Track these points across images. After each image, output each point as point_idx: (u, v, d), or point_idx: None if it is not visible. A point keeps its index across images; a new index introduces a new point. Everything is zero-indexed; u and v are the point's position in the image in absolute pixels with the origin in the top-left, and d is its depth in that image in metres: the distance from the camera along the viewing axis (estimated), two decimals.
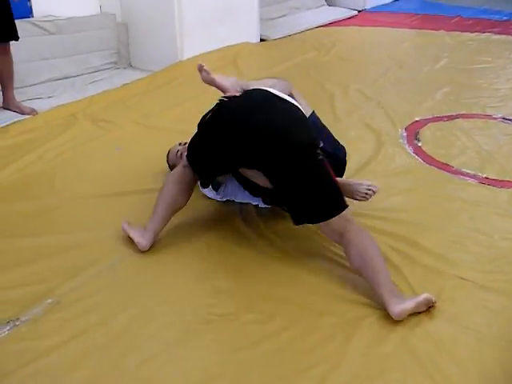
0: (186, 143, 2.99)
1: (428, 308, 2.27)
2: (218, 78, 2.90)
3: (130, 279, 2.47)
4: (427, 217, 2.97)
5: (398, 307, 2.19)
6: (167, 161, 3.27)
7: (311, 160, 2.45)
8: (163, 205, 2.64)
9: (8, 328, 2.18)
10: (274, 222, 2.88)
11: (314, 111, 2.90)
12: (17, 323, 2.20)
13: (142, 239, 2.60)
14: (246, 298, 2.36)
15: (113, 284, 2.44)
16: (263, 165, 2.46)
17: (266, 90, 2.61)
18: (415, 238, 2.76)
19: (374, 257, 2.34)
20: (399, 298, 2.24)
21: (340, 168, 2.90)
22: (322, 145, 2.55)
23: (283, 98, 2.59)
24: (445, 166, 3.50)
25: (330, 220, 2.42)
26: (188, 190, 2.69)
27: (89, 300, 2.34)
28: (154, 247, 2.64)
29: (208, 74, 2.91)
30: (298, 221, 2.53)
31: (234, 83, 2.86)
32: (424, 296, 2.24)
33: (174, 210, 2.68)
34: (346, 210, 2.46)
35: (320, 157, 2.48)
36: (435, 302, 2.27)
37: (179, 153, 3.11)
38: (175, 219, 2.75)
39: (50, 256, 2.60)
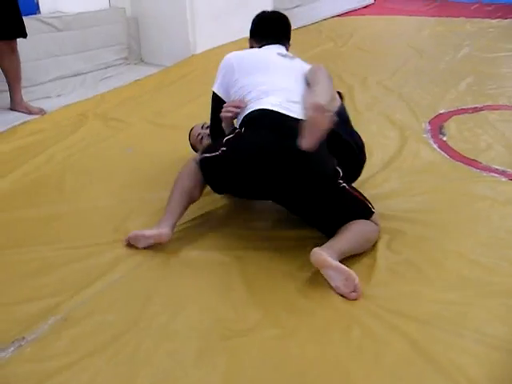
0: (207, 127, 3.00)
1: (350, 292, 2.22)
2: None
3: (142, 292, 2.31)
4: (456, 218, 2.80)
5: (321, 255, 2.22)
6: (189, 138, 3.27)
7: (334, 190, 2.45)
8: (178, 197, 2.57)
9: (12, 349, 2.03)
10: (289, 223, 2.73)
11: (342, 103, 2.77)
12: (22, 343, 2.06)
13: (162, 230, 2.49)
14: (267, 311, 2.20)
15: (124, 297, 2.29)
16: (283, 199, 2.54)
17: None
18: (444, 241, 2.60)
19: (352, 231, 2.41)
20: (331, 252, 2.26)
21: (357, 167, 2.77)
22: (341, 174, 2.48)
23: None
24: (472, 162, 3.32)
25: None
26: (202, 185, 2.62)
27: (99, 316, 2.19)
28: (165, 256, 2.50)
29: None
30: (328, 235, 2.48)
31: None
32: (351, 272, 2.22)
33: (189, 202, 2.61)
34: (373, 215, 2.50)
35: (342, 185, 2.46)
36: (356, 286, 2.22)
37: (199, 136, 3.17)
38: (185, 224, 2.63)
39: (58, 267, 2.46)
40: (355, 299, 2.23)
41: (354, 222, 2.44)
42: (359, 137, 2.77)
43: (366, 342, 2.04)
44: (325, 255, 2.23)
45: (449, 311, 2.17)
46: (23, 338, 2.08)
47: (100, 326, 2.13)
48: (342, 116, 2.71)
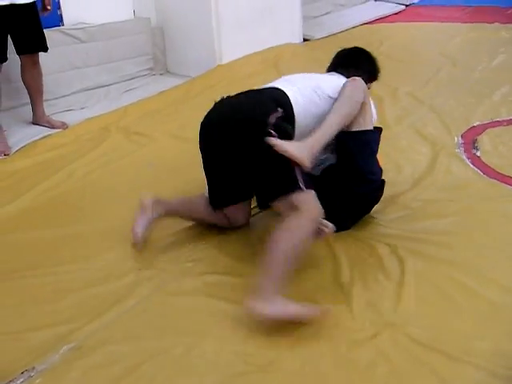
0: None
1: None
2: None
3: (157, 320, 2.22)
4: (491, 241, 2.65)
5: (255, 310, 2.07)
6: None
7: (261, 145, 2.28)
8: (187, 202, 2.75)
9: (22, 380, 1.96)
10: None
11: (376, 132, 2.71)
12: (32, 374, 1.98)
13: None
14: (287, 343, 2.08)
15: (139, 326, 2.19)
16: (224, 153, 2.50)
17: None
18: (477, 266, 2.46)
19: (277, 257, 2.15)
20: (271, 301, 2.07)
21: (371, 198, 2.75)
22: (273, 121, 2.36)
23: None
24: (508, 179, 3.15)
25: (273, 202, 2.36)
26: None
27: (113, 346, 2.10)
28: (182, 280, 2.41)
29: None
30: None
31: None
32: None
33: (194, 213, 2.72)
34: (294, 194, 2.27)
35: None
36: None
37: None
38: (200, 246, 2.57)
39: (72, 292, 2.39)
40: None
41: (276, 239, 2.18)
42: (381, 172, 2.73)
43: (392, 380, 1.91)
44: (258, 309, 2.08)
45: (481, 346, 2.04)
46: (33, 368, 2.01)
47: (113, 357, 2.05)
48: (370, 147, 2.67)
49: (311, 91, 2.59)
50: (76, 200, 3.11)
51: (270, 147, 2.24)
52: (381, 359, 1.99)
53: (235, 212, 2.68)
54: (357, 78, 2.61)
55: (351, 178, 2.63)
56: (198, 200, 2.72)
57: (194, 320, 2.21)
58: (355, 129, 2.58)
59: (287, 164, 2.29)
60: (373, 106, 2.75)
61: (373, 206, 2.78)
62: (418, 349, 2.02)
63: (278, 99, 2.50)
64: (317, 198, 2.30)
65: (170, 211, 2.70)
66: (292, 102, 2.51)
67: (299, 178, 2.33)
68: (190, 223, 2.79)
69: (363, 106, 2.57)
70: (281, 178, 2.34)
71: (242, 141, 2.39)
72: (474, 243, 2.63)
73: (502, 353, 1.99)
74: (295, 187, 2.30)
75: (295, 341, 2.08)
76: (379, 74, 3.01)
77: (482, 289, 2.32)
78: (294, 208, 2.24)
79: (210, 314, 2.25)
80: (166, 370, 1.99)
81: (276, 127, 2.34)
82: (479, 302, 2.26)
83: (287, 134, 2.39)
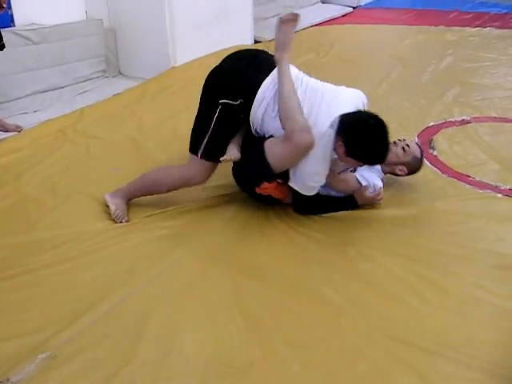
0: None
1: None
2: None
3: (133, 326, 2.19)
4: (452, 238, 2.73)
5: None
6: None
7: None
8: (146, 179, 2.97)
9: None
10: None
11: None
12: None
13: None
14: (267, 345, 2.09)
15: (114, 332, 2.16)
16: None
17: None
18: (445, 263, 2.54)
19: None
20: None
21: None
22: None
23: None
24: (466, 178, 3.26)
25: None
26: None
27: (88, 353, 2.06)
28: (156, 285, 2.39)
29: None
30: None
31: None
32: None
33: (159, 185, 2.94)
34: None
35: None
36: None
37: None
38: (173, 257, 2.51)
39: (43, 300, 2.33)
40: None
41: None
42: None
43: (372, 376, 1.95)
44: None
45: (455, 339, 2.10)
46: (7, 379, 1.95)
47: (90, 365, 2.02)
48: None
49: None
50: (36, 206, 3.02)
51: None
52: (359, 357, 2.02)
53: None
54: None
55: None
56: (163, 171, 2.99)
57: (171, 323, 2.20)
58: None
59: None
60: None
61: None
62: (394, 345, 2.07)
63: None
64: None
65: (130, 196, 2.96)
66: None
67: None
68: None
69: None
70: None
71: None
72: (436, 241, 2.70)
73: (476, 345, 2.07)
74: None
75: (274, 343, 2.09)
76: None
77: (449, 284, 2.40)
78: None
79: (187, 316, 2.23)
80: (144, 375, 1.97)
81: None
82: (448, 298, 2.33)
83: None
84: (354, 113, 2.66)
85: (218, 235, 2.74)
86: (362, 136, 2.55)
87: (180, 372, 1.98)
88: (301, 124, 2.54)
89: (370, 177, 2.95)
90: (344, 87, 2.85)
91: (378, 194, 2.91)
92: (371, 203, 2.94)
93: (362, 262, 2.55)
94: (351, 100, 2.77)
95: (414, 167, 3.05)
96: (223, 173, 3.00)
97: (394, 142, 2.99)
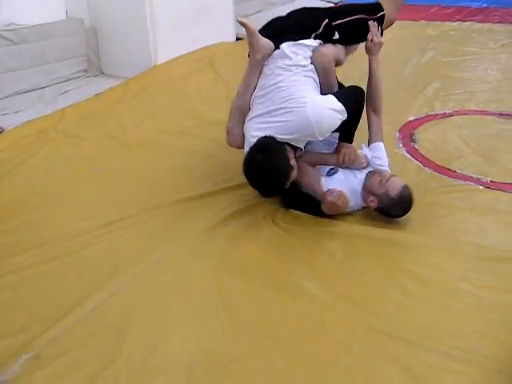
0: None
1: None
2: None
3: (117, 323, 2.19)
4: (436, 231, 2.75)
5: None
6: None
7: None
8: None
9: None
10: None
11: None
12: None
13: None
14: (251, 341, 2.10)
15: (99, 331, 2.16)
16: None
17: None
18: (425, 256, 2.55)
19: None
20: None
21: None
22: None
23: None
24: (447, 171, 3.28)
25: None
26: None
27: (73, 352, 2.06)
28: (139, 284, 2.38)
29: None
30: None
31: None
32: None
33: None
34: None
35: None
36: None
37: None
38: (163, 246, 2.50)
39: (26, 300, 2.32)
40: None
41: None
42: None
43: (356, 369, 1.96)
44: None
45: (438, 331, 2.12)
46: None
47: (75, 365, 2.01)
48: None
49: None
50: (19, 207, 3.01)
51: None
52: (343, 351, 2.03)
53: None
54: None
55: None
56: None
57: (155, 321, 2.20)
58: None
59: None
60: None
61: None
62: (378, 338, 2.08)
63: None
64: None
65: None
66: None
67: None
68: None
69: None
70: None
71: None
72: (419, 233, 2.71)
73: (459, 336, 2.08)
74: None
75: (258, 338, 2.10)
76: None
77: (432, 277, 2.41)
78: None
79: (171, 313, 2.24)
80: (129, 373, 1.97)
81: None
82: (431, 290, 2.34)
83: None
84: None
85: (201, 232, 2.73)
86: None
87: (165, 369, 1.98)
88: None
89: (340, 182, 2.83)
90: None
91: (339, 198, 2.72)
92: (335, 211, 2.78)
93: (345, 257, 2.56)
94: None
95: (385, 205, 2.75)
96: (209, 172, 3.01)
97: (379, 173, 2.84)
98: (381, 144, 3.02)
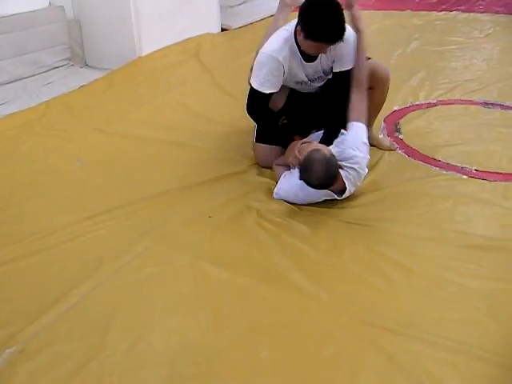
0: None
1: None
2: None
3: (100, 317, 2.17)
4: (419, 220, 2.75)
5: None
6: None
7: None
8: None
9: None
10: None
11: None
12: None
13: None
14: (235, 333, 2.09)
15: (82, 324, 2.14)
16: None
17: None
18: (411, 245, 2.56)
19: None
20: None
21: None
22: None
23: None
24: (431, 160, 3.28)
25: None
26: None
27: (57, 346, 2.05)
28: (123, 276, 2.37)
29: None
30: None
31: None
32: None
33: None
34: None
35: None
36: None
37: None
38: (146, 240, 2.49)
39: (9, 294, 2.31)
40: None
41: None
42: None
43: (340, 359, 1.96)
44: None
45: (422, 320, 2.12)
46: None
47: (59, 358, 2.00)
48: None
49: None
50: (2, 201, 2.98)
51: None
52: (327, 341, 2.04)
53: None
54: None
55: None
56: None
57: (138, 313, 2.19)
58: None
59: None
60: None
61: None
62: (362, 328, 2.08)
63: None
64: None
65: None
66: None
67: None
68: None
69: None
70: None
71: None
72: (403, 224, 2.72)
73: (443, 324, 2.09)
74: None
75: (242, 329, 2.10)
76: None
77: (416, 266, 2.42)
78: None
79: (155, 307, 2.23)
80: (113, 366, 1.96)
81: None
82: (415, 279, 2.35)
83: None
84: None
85: (186, 224, 2.73)
86: (314, 12, 2.69)
87: (149, 361, 1.98)
88: None
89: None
90: None
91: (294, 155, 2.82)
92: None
93: (330, 247, 2.56)
94: None
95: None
96: (193, 164, 2.99)
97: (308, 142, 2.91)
98: (356, 124, 2.87)
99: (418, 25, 6.19)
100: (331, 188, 2.75)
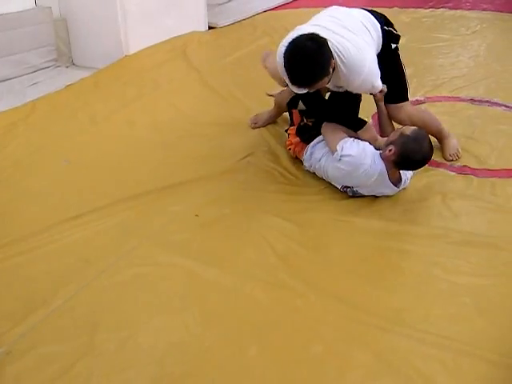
0: None
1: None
2: None
3: (87, 317, 2.17)
4: (408, 216, 2.76)
5: None
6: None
7: None
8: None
9: None
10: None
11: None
12: None
13: None
14: (222, 331, 2.09)
15: (69, 325, 2.14)
16: None
17: None
18: (397, 241, 2.56)
19: None
20: None
21: None
22: None
23: None
24: None
25: None
26: None
27: (43, 347, 2.04)
28: (109, 277, 2.36)
29: None
30: None
31: None
32: None
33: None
34: None
35: None
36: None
37: None
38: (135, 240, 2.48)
39: None
40: None
41: None
42: None
43: (328, 356, 1.96)
44: None
45: (410, 316, 2.13)
46: None
47: (46, 359, 1.99)
48: None
49: None
50: None
51: None
52: (315, 338, 2.04)
53: None
54: None
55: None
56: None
57: (125, 313, 2.18)
58: None
59: None
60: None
61: None
62: (350, 325, 2.09)
63: None
64: None
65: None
66: None
67: None
68: None
69: None
70: None
71: None
72: (392, 219, 2.73)
73: (431, 321, 2.10)
74: None
75: (230, 328, 2.10)
76: None
77: (405, 262, 2.44)
78: None
79: (141, 305, 2.22)
80: (101, 366, 1.96)
81: None
82: (404, 276, 2.36)
83: None
84: None
85: (172, 223, 2.71)
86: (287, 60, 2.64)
87: (137, 361, 1.98)
88: None
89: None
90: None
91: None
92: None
93: (317, 245, 2.56)
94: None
95: (402, 148, 2.74)
96: (180, 164, 2.98)
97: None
98: None
99: (405, 22, 6.18)
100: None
